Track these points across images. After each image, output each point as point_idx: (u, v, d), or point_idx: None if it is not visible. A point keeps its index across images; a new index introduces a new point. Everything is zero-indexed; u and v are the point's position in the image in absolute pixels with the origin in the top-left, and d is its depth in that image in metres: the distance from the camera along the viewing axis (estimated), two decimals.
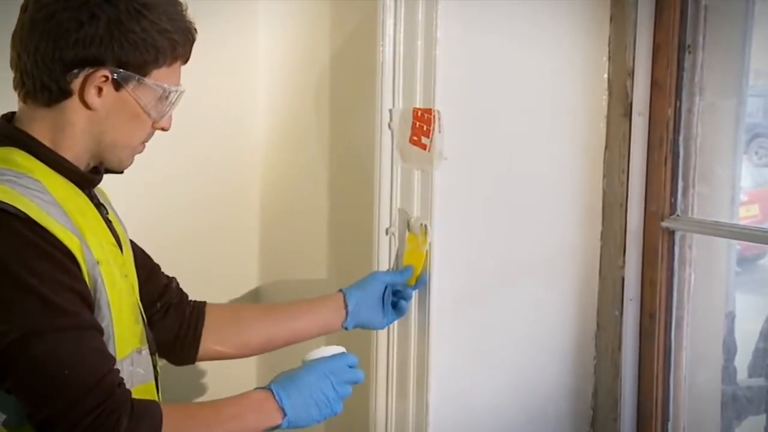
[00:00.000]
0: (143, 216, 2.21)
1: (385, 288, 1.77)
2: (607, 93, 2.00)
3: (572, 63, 1.97)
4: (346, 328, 1.74)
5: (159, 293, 1.65)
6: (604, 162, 2.01)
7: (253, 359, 2.41)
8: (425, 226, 1.77)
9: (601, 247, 2.03)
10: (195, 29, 1.42)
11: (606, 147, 2.01)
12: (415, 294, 1.85)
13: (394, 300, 1.79)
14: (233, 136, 2.53)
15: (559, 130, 1.98)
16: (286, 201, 2.51)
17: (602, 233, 2.03)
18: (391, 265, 1.88)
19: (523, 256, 1.97)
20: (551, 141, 1.97)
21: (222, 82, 2.47)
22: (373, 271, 1.83)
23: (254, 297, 2.60)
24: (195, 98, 2.25)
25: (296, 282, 2.45)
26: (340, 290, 1.76)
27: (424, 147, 1.81)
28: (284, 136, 2.50)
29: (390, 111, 1.87)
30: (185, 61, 1.43)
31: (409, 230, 1.82)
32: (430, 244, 1.77)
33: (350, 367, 1.48)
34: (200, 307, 1.70)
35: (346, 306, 1.73)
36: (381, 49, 1.85)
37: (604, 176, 2.02)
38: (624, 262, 1.97)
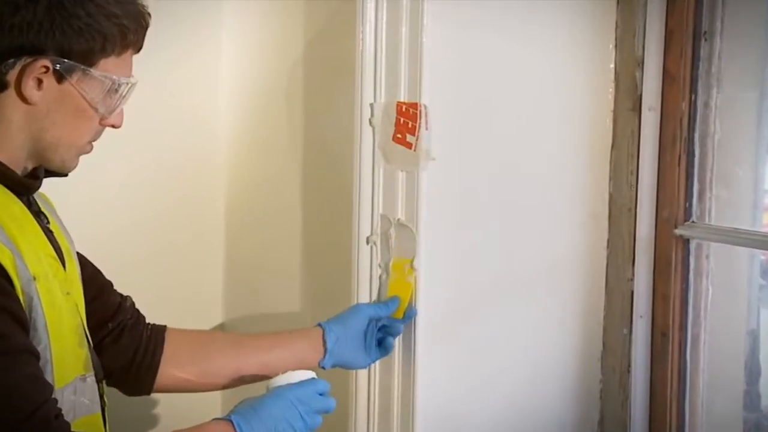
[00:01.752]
0: (95, 227, 2.29)
1: (369, 322, 1.74)
2: (613, 85, 1.99)
3: (574, 52, 1.96)
4: (323, 368, 1.70)
5: (111, 313, 1.61)
6: (610, 162, 2.01)
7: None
8: (411, 260, 1.78)
9: (608, 258, 2.03)
10: (148, 14, 1.39)
11: (613, 146, 2.01)
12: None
13: (380, 336, 1.76)
14: (194, 137, 2.54)
15: (560, 127, 1.97)
16: (254, 208, 2.51)
17: (609, 242, 2.03)
18: (377, 296, 1.87)
19: (520, 268, 1.96)
20: (551, 139, 1.97)
21: (180, 77, 2.49)
22: (356, 303, 1.81)
23: (219, 315, 2.61)
24: (151, 96, 2.29)
25: (266, 299, 2.45)
26: (319, 324, 1.72)
27: (409, 146, 1.81)
28: (251, 136, 2.51)
29: (371, 106, 1.86)
30: (137, 49, 1.40)
31: (394, 257, 1.82)
32: (416, 273, 1.77)
33: (320, 394, 1.45)
34: (160, 330, 1.67)
35: (324, 343, 1.70)
36: (361, 36, 1.84)
37: (610, 178, 2.01)
38: (633, 274, 1.96)
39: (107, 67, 1.34)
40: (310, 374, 1.48)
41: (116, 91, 1.36)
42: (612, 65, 1.99)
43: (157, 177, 2.47)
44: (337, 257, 2.01)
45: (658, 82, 1.93)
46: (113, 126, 1.41)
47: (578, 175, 2.00)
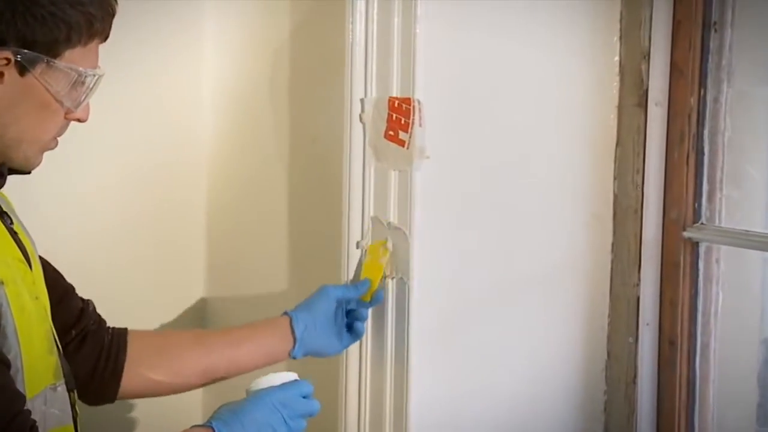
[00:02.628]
0: (74, 229, 2.34)
1: (338, 306, 1.76)
2: (618, 79, 1.98)
3: (577, 44, 1.95)
4: (294, 357, 1.72)
5: (74, 319, 1.61)
6: (615, 160, 2.00)
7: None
8: (384, 242, 1.80)
9: (612, 262, 2.02)
10: (115, 0, 1.37)
11: (617, 143, 2.00)
12: (392, 317, 1.84)
13: (349, 321, 1.78)
14: (174, 134, 2.54)
15: (561, 124, 1.97)
16: (237, 211, 2.51)
17: (613, 245, 2.02)
18: (349, 278, 1.88)
19: (519, 273, 1.96)
20: (552, 136, 1.96)
21: (159, 71, 2.49)
22: (323, 285, 1.80)
23: (200, 325, 2.61)
24: (130, 95, 2.36)
25: (251, 307, 2.44)
26: (286, 313, 1.74)
27: (402, 143, 1.80)
28: (235, 135, 2.51)
29: (362, 101, 1.85)
30: (104, 38, 1.37)
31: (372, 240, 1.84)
32: (390, 254, 1.78)
33: (304, 397, 1.46)
34: (121, 334, 1.67)
35: (293, 332, 1.71)
36: (350, 27, 1.84)
37: (615, 177, 2.01)
38: (639, 279, 1.96)
39: (73, 57, 1.32)
40: (293, 376, 1.48)
41: (82, 83, 1.34)
42: (616, 58, 1.98)
43: (136, 178, 2.47)
44: (326, 263, 2.00)
45: (665, 76, 1.92)
46: (79, 120, 1.39)
47: (581, 174, 2.00)
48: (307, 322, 1.72)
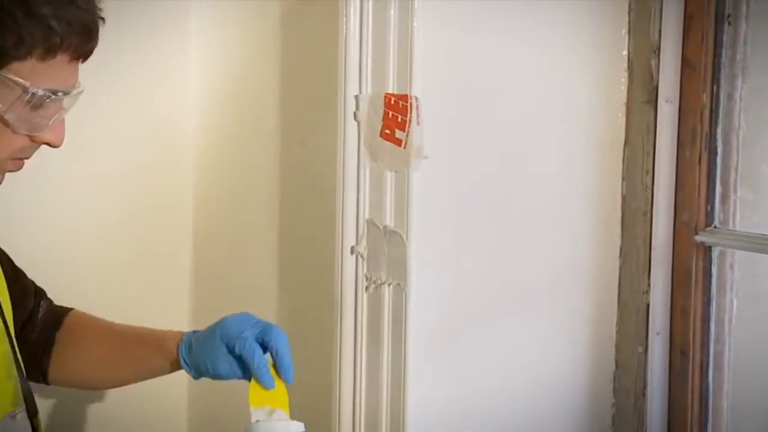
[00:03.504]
0: (56, 230, 2.34)
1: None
2: (626, 75, 1.98)
3: (583, 38, 1.95)
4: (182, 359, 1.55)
5: (26, 318, 1.59)
6: (623, 161, 2.00)
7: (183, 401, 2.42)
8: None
9: (621, 267, 2.02)
10: (95, 23, 1.25)
11: (626, 142, 2.00)
12: (388, 326, 1.84)
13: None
14: (158, 136, 2.52)
15: (567, 122, 1.97)
16: (224, 215, 2.50)
17: (621, 249, 2.02)
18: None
19: (522, 279, 1.96)
20: (557, 135, 1.96)
21: (142, 69, 2.48)
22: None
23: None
24: (108, 91, 2.34)
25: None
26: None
27: (398, 142, 1.79)
28: (222, 133, 2.50)
29: (356, 98, 1.85)
30: (77, 57, 1.25)
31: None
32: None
33: None
34: (61, 312, 1.65)
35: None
36: (344, 20, 1.83)
37: (623, 178, 2.01)
38: (649, 285, 1.96)
39: (22, 71, 1.19)
40: (299, 427, 1.38)
41: (33, 101, 1.21)
42: (625, 52, 1.98)
43: (118, 180, 2.45)
44: (318, 269, 2.00)
45: (676, 71, 1.92)
46: (49, 144, 1.27)
47: (587, 175, 2.00)
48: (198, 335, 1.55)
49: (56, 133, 1.26)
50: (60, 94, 1.23)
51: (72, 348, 1.62)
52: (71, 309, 1.67)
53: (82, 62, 1.27)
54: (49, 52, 1.20)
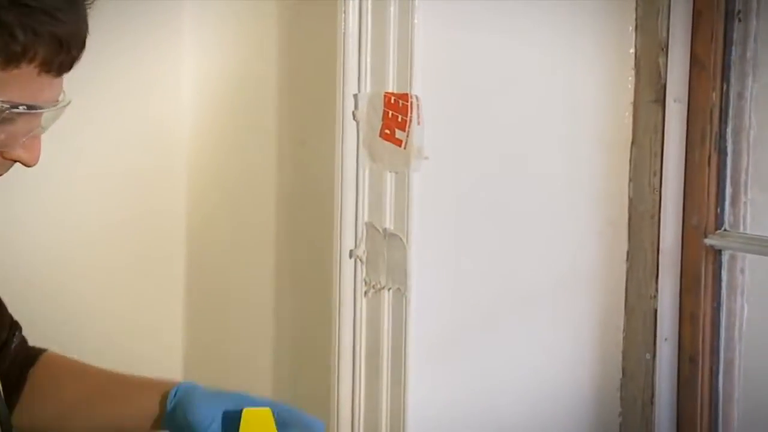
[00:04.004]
0: (42, 240, 2.34)
1: None
2: (633, 73, 1.98)
3: (589, 35, 1.95)
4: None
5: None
6: (630, 161, 2.00)
7: None
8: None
9: (627, 272, 2.02)
10: (76, 33, 1.17)
11: (633, 142, 2.00)
12: (388, 332, 1.84)
13: None
14: (151, 137, 2.54)
15: (571, 122, 1.97)
16: (219, 219, 2.51)
17: (628, 253, 2.02)
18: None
19: (526, 283, 1.95)
20: (562, 135, 1.96)
21: (134, 70, 2.49)
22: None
23: (179, 344, 2.61)
24: (98, 90, 2.35)
25: (234, 322, 2.44)
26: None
27: (398, 143, 1.79)
28: (216, 132, 2.51)
29: (355, 97, 1.84)
30: (48, 70, 1.17)
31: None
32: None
33: None
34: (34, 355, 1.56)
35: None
36: (343, 17, 1.83)
37: (630, 180, 2.01)
38: (656, 290, 1.96)
39: None
40: None
41: (9, 119, 1.13)
42: (632, 50, 1.98)
43: (109, 184, 2.47)
44: (316, 274, 2.00)
45: (684, 70, 1.92)
46: (22, 163, 1.19)
47: (593, 177, 1.99)
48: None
49: (29, 151, 1.17)
50: (22, 107, 1.14)
51: (48, 386, 1.54)
52: (46, 349, 1.59)
53: (56, 76, 1.18)
54: (11, 61, 1.11)
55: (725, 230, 1.90)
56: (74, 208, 2.43)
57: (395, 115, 1.78)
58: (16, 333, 1.55)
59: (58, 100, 1.18)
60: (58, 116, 1.19)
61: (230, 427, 1.35)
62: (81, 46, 1.19)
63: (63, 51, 1.15)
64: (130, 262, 2.52)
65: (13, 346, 1.52)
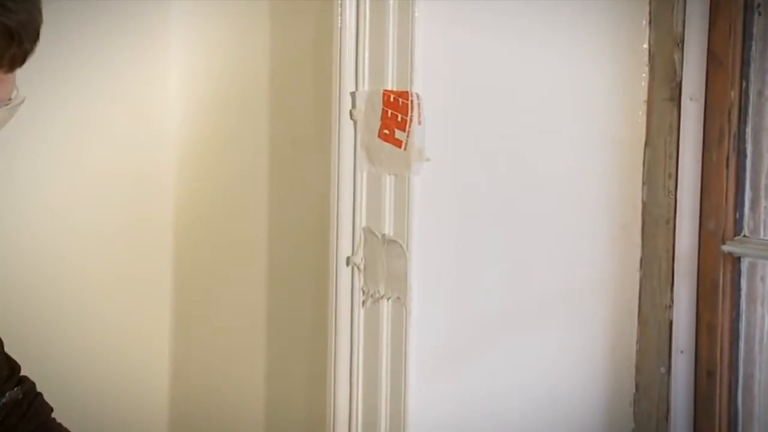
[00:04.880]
0: (23, 248, 2.32)
1: None
2: (647, 70, 1.99)
3: (599, 29, 1.96)
4: None
5: None
6: (643, 163, 2.01)
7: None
8: None
9: (641, 280, 2.03)
10: (25, 23, 1.16)
11: (646, 143, 2.01)
12: (386, 345, 1.83)
13: None
14: (136, 138, 2.52)
15: (582, 121, 1.97)
16: (207, 224, 2.50)
17: (642, 260, 2.03)
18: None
19: (533, 292, 1.95)
20: (571, 136, 1.97)
21: (118, 69, 2.48)
22: None
23: (165, 359, 2.59)
24: (83, 92, 2.37)
25: (222, 335, 2.43)
26: None
27: (398, 144, 1.77)
28: (204, 133, 2.50)
29: (352, 95, 1.83)
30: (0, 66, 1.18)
31: None
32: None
33: None
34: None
35: None
36: (339, 9, 1.83)
37: (643, 183, 2.02)
38: (672, 299, 1.97)
39: None
40: None
41: None
42: (645, 45, 1.99)
43: (92, 189, 2.46)
44: (311, 283, 2.00)
45: (701, 66, 1.93)
46: None
47: (604, 179, 2.00)
48: None
49: None
50: None
51: None
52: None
53: (7, 72, 1.17)
54: None
55: (744, 236, 1.91)
56: (58, 212, 2.44)
57: (395, 114, 1.77)
58: (14, 389, 1.55)
59: (10, 98, 1.16)
60: (11, 116, 1.17)
61: None
62: (34, 38, 1.16)
63: (14, 44, 1.13)
64: (115, 271, 2.52)
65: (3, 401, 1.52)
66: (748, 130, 1.89)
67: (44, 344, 2.26)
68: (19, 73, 1.20)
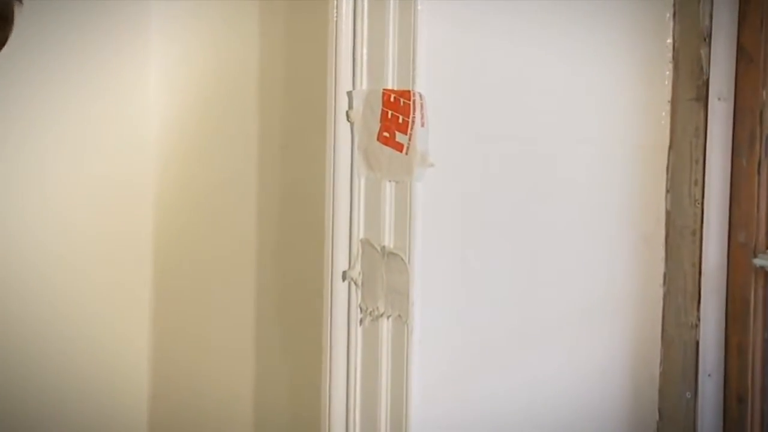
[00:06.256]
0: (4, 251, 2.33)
1: None
2: (671, 67, 2.05)
3: (619, 23, 1.97)
4: None
5: None
6: (667, 169, 2.05)
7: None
8: None
9: (665, 296, 2.06)
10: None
11: (670, 147, 2.04)
12: (387, 366, 1.80)
13: None
14: (113, 145, 2.53)
15: (599, 123, 1.98)
16: (191, 236, 2.50)
17: (665, 275, 2.05)
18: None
19: (546, 310, 1.95)
20: (589, 139, 1.99)
21: (100, 69, 2.49)
22: None
23: (144, 378, 2.60)
24: (60, 94, 2.39)
25: (211, 355, 2.41)
26: None
27: (399, 147, 1.74)
28: (189, 138, 2.50)
29: (349, 95, 1.81)
30: None
31: None
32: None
33: None
34: None
35: None
36: (336, 3, 1.82)
37: (667, 190, 2.05)
38: (698, 318, 2.00)
39: None
40: None
41: None
42: (669, 40, 2.04)
43: (70, 199, 2.48)
44: (305, 298, 1.97)
45: (730, 63, 1.98)
46: None
47: (624, 186, 2.02)
48: None
49: None
50: None
51: None
52: None
53: None
54: None
55: None
56: (36, 218, 2.46)
57: (395, 115, 1.74)
58: None
59: None
60: None
61: None
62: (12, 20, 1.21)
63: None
64: (94, 280, 2.54)
65: None
66: None
67: (24, 348, 2.30)
68: None
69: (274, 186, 2.20)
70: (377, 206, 1.79)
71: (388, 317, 1.78)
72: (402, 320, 1.75)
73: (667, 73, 1.99)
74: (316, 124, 1.87)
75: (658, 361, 2.03)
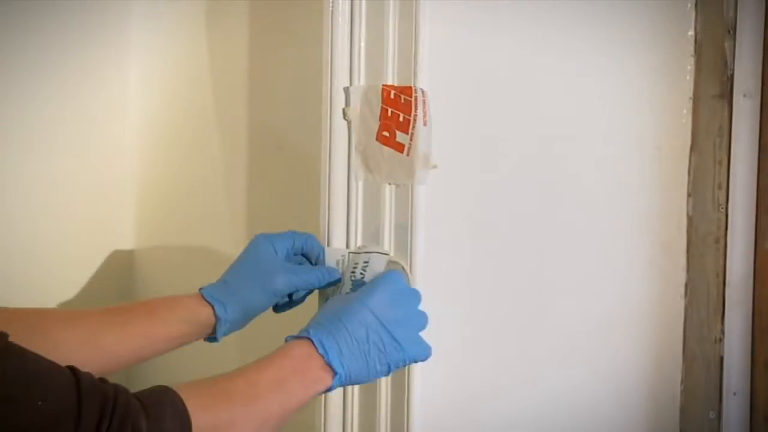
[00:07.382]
0: None
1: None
2: (693, 62, 2.01)
3: (636, 14, 1.97)
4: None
5: None
6: (689, 172, 2.04)
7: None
8: None
9: (686, 309, 2.05)
10: None
11: (692, 148, 2.03)
12: (386, 394, 1.78)
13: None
14: (90, 147, 2.56)
15: (616, 122, 1.98)
16: (175, 245, 2.51)
17: (687, 286, 2.05)
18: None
19: (559, 326, 1.94)
20: (604, 140, 1.97)
21: (72, 68, 2.52)
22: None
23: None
24: (35, 94, 2.42)
25: (197, 365, 2.28)
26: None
27: (400, 148, 1.73)
28: (171, 137, 2.51)
29: (345, 91, 1.78)
30: None
31: None
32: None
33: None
34: None
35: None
36: None
37: (689, 194, 2.04)
38: (723, 332, 1.99)
39: None
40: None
41: None
42: (691, 32, 2.02)
43: (44, 206, 2.52)
44: (298, 313, 1.93)
45: (756, 57, 1.94)
46: None
47: (643, 190, 2.02)
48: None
49: None
50: None
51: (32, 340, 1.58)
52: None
53: None
54: None
55: None
56: (13, 221, 2.48)
57: (396, 113, 1.72)
58: None
59: None
60: None
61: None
62: None
63: None
64: (73, 284, 2.56)
65: None
66: None
67: None
68: None
69: (264, 189, 2.19)
70: (376, 212, 1.77)
71: None
72: None
73: (689, 68, 1.98)
74: (311, 123, 1.85)
75: (680, 378, 2.03)
